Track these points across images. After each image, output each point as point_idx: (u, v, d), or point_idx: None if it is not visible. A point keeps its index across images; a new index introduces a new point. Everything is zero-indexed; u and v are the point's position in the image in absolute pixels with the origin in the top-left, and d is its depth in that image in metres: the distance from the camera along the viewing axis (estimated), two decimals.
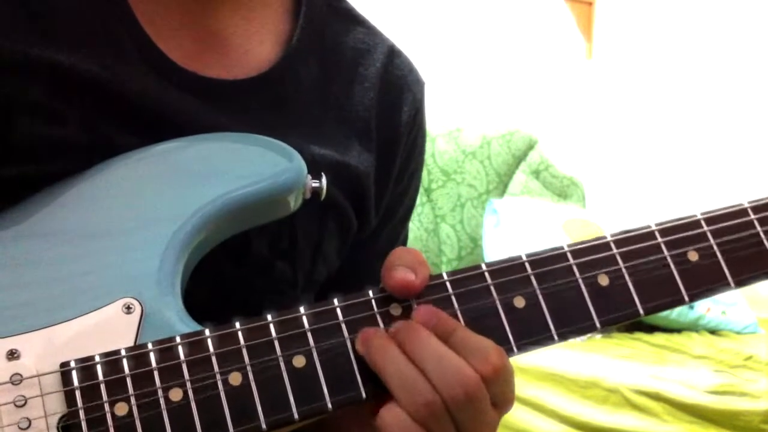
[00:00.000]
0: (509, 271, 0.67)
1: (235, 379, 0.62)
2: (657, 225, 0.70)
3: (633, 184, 3.86)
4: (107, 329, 0.63)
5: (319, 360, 0.63)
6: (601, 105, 3.99)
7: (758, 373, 2.49)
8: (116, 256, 0.66)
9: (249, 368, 0.62)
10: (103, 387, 0.60)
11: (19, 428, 0.60)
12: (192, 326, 0.65)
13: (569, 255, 0.68)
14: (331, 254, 0.83)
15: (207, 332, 0.63)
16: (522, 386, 2.46)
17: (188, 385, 0.61)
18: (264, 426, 0.61)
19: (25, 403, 0.60)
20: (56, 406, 0.60)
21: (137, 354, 0.62)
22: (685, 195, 3.56)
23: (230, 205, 0.69)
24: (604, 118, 3.97)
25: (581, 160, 3.72)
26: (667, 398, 2.40)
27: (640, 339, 2.83)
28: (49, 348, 0.62)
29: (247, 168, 0.70)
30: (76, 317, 0.64)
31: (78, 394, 0.60)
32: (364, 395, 0.63)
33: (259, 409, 0.61)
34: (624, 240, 0.69)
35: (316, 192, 0.73)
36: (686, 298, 0.69)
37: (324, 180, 0.73)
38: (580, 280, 0.68)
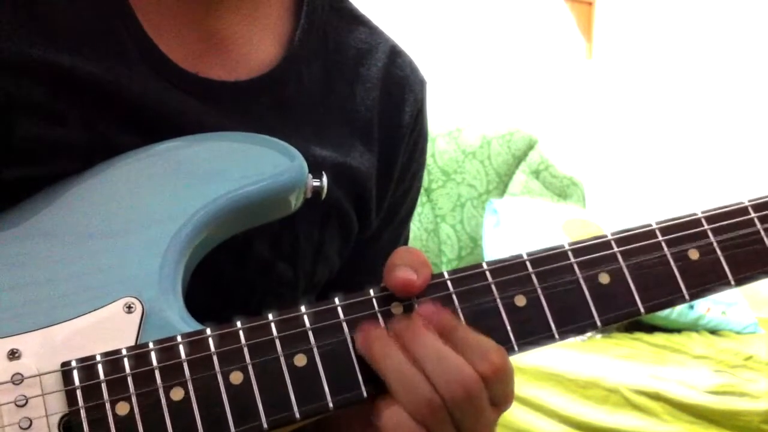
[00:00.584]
0: (510, 270, 0.67)
1: (236, 378, 0.62)
2: (657, 223, 0.70)
3: (633, 184, 3.86)
4: (108, 329, 0.63)
5: (320, 359, 0.63)
6: (601, 105, 3.98)
7: (758, 373, 2.49)
8: (117, 256, 0.66)
9: (250, 367, 0.62)
10: (104, 386, 0.60)
11: (20, 428, 0.60)
12: (193, 326, 0.65)
13: (570, 253, 0.68)
14: (333, 256, 0.83)
15: (208, 331, 0.63)
16: (522, 386, 2.46)
17: (189, 384, 0.61)
18: (265, 425, 0.61)
19: (26, 402, 0.60)
20: (57, 405, 0.60)
21: (138, 353, 0.62)
22: (685, 195, 3.56)
23: (231, 205, 0.69)
24: (604, 118, 3.97)
25: (581, 160, 3.72)
26: (667, 398, 2.40)
27: (640, 339, 2.83)
28: (50, 348, 0.62)
29: (248, 167, 0.70)
30: (77, 317, 0.64)
31: (79, 393, 0.60)
32: (365, 394, 0.63)
33: (261, 408, 0.61)
34: (625, 238, 0.69)
35: (317, 191, 0.73)
36: (687, 297, 0.69)
37: (325, 179, 0.73)
38: (581, 279, 0.68)
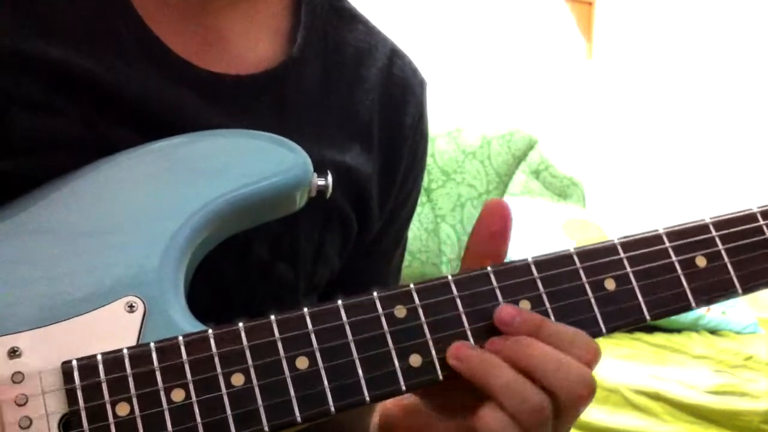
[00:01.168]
0: (514, 274, 0.67)
1: (237, 380, 0.61)
2: (665, 229, 0.69)
3: (633, 184, 3.86)
4: (109, 328, 0.63)
5: (323, 362, 0.63)
6: (601, 105, 3.98)
7: (758, 373, 2.49)
8: (118, 254, 0.66)
9: (252, 369, 0.62)
10: (104, 386, 0.60)
11: (20, 427, 0.59)
12: (195, 325, 0.64)
13: (576, 258, 0.68)
14: (333, 257, 0.83)
15: (210, 332, 0.63)
16: None
17: (190, 385, 0.61)
18: (266, 429, 0.61)
19: (27, 401, 0.60)
20: (57, 405, 0.60)
21: (139, 353, 0.61)
22: (686, 195, 3.56)
23: (234, 204, 0.68)
24: (604, 118, 3.97)
25: (581, 160, 3.72)
26: (667, 398, 2.40)
27: (640, 339, 2.83)
28: (50, 346, 0.61)
29: (252, 165, 0.69)
30: (78, 315, 0.63)
31: (80, 393, 0.60)
32: (368, 399, 0.63)
33: (262, 411, 0.61)
34: (631, 244, 0.69)
35: (321, 191, 0.72)
36: (693, 305, 0.68)
37: (330, 178, 0.72)
38: (587, 285, 0.67)
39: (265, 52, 0.81)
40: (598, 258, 0.68)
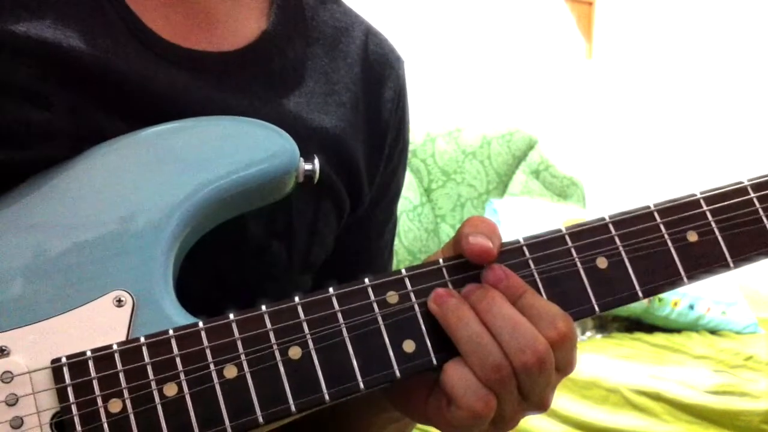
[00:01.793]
0: (507, 257, 0.67)
1: (230, 372, 0.61)
2: (656, 205, 0.69)
3: (633, 184, 3.85)
4: (98, 323, 0.62)
5: (316, 350, 0.62)
6: (601, 105, 3.98)
7: (758, 373, 2.48)
8: (105, 248, 0.65)
9: (244, 361, 0.61)
10: (95, 383, 0.59)
11: (11, 427, 0.59)
12: (185, 318, 0.64)
13: (567, 237, 0.68)
14: (327, 235, 0.83)
15: (200, 324, 0.62)
16: None
17: (183, 379, 0.60)
18: (261, 419, 0.60)
19: (17, 401, 0.59)
20: (48, 403, 0.59)
21: (129, 349, 0.60)
22: (685, 193, 3.55)
23: (221, 193, 0.67)
24: (604, 118, 3.96)
25: (581, 160, 3.72)
26: (667, 398, 2.40)
27: (640, 339, 2.83)
28: (39, 344, 0.61)
29: (238, 153, 0.69)
30: (66, 312, 0.62)
31: (70, 391, 0.59)
32: (362, 386, 0.62)
33: (256, 402, 0.60)
34: (622, 221, 0.68)
35: (308, 176, 0.72)
36: (685, 279, 0.68)
37: (317, 163, 0.72)
38: (579, 263, 0.67)
39: (251, 30, 0.81)
40: (589, 237, 0.68)
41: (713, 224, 0.69)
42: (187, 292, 0.67)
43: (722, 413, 2.35)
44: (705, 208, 0.69)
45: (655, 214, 0.69)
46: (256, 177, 0.68)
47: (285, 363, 0.62)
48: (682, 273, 0.68)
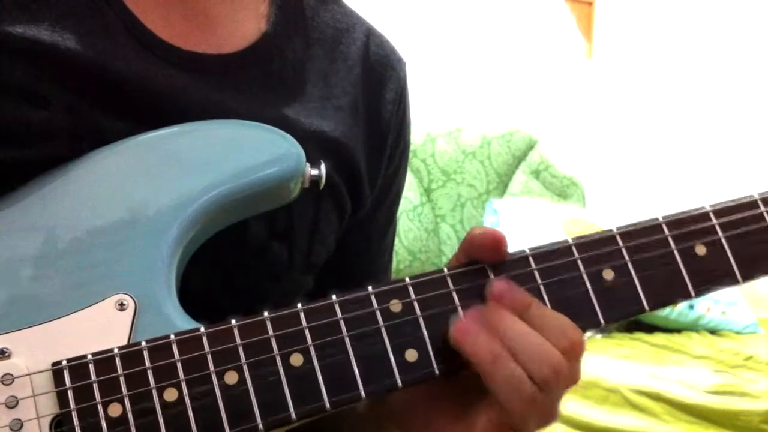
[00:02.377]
0: (512, 266, 0.66)
1: (231, 378, 0.60)
2: (664, 218, 0.68)
3: (633, 184, 3.85)
4: (100, 327, 0.62)
5: (317, 358, 0.62)
6: (601, 105, 3.98)
7: (758, 373, 2.48)
8: (108, 252, 0.65)
9: (245, 367, 0.61)
10: (96, 387, 0.59)
11: (11, 430, 0.58)
12: (188, 322, 0.63)
13: (574, 249, 0.67)
14: (329, 235, 0.83)
15: (202, 329, 0.62)
16: None
17: (183, 384, 0.60)
18: (261, 427, 0.60)
19: (17, 403, 0.59)
20: (48, 406, 0.59)
21: (130, 353, 0.60)
22: (686, 194, 3.55)
23: (226, 198, 0.67)
24: (604, 118, 3.96)
25: (581, 160, 3.72)
26: (667, 398, 2.40)
27: (640, 339, 2.83)
28: (40, 347, 0.60)
29: (243, 158, 0.68)
30: (67, 314, 0.62)
31: (70, 394, 0.59)
32: (363, 395, 0.62)
33: (256, 409, 0.60)
34: (630, 233, 0.68)
35: (314, 181, 0.71)
36: (693, 294, 0.67)
37: (323, 168, 0.72)
38: (585, 275, 0.66)
39: (250, 32, 0.81)
40: (596, 248, 0.67)
41: (722, 238, 0.68)
42: (188, 292, 0.67)
43: (722, 413, 2.35)
44: (714, 221, 0.69)
45: (664, 227, 0.68)
46: (261, 182, 0.68)
47: (286, 370, 0.61)
48: (690, 287, 0.67)
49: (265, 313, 0.63)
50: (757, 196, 0.70)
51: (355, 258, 0.89)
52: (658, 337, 2.86)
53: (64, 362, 0.60)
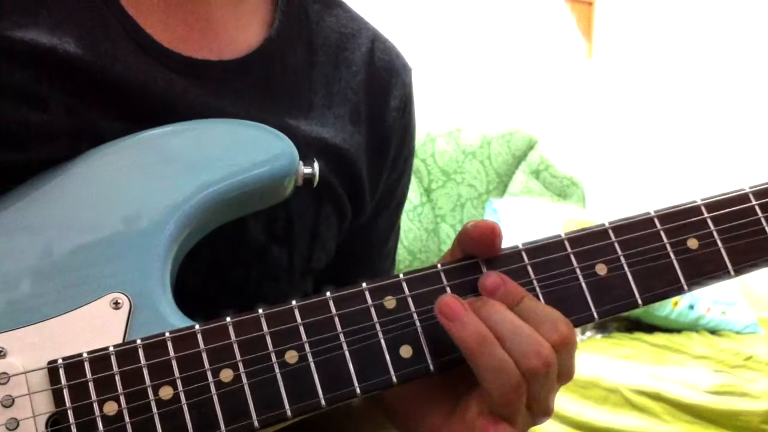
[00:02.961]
0: (506, 262, 0.66)
1: (226, 375, 0.61)
2: (656, 212, 0.69)
3: (633, 184, 3.85)
4: (95, 326, 0.62)
5: (312, 355, 0.62)
6: (601, 105, 3.98)
7: (758, 373, 2.48)
8: (102, 250, 0.65)
9: (240, 364, 0.61)
10: (91, 385, 0.59)
11: (7, 429, 0.58)
12: (183, 320, 0.64)
13: (567, 244, 0.67)
14: (329, 240, 0.83)
15: (197, 327, 0.62)
16: None
17: (179, 382, 0.60)
18: (256, 424, 0.60)
19: (13, 402, 0.59)
20: (44, 405, 0.59)
21: (126, 351, 0.60)
22: (686, 194, 3.55)
23: (220, 196, 0.67)
24: (604, 118, 3.96)
25: (581, 160, 3.72)
26: (667, 398, 2.39)
27: (640, 339, 2.83)
28: (36, 345, 0.61)
29: (237, 156, 0.68)
30: (63, 313, 0.62)
31: (66, 393, 0.59)
32: (358, 391, 0.62)
33: (251, 406, 0.60)
34: (622, 227, 0.68)
35: (308, 179, 0.71)
36: (685, 287, 0.67)
37: (317, 166, 0.72)
38: (578, 270, 0.66)
39: (252, 37, 0.81)
40: (589, 243, 0.67)
41: (714, 232, 0.68)
42: (186, 292, 0.67)
43: (722, 413, 2.34)
44: (706, 215, 0.69)
45: (656, 221, 0.68)
46: (255, 180, 0.68)
47: (281, 367, 0.61)
48: (683, 281, 0.67)
49: (260, 310, 0.63)
50: (748, 190, 0.70)
51: (356, 263, 0.89)
52: (658, 337, 2.86)
53: (60, 360, 0.60)
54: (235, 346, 0.61)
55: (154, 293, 0.64)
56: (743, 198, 0.70)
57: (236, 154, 0.69)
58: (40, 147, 0.68)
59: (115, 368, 0.60)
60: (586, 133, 3.92)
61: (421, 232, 2.99)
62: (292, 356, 0.62)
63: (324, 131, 0.80)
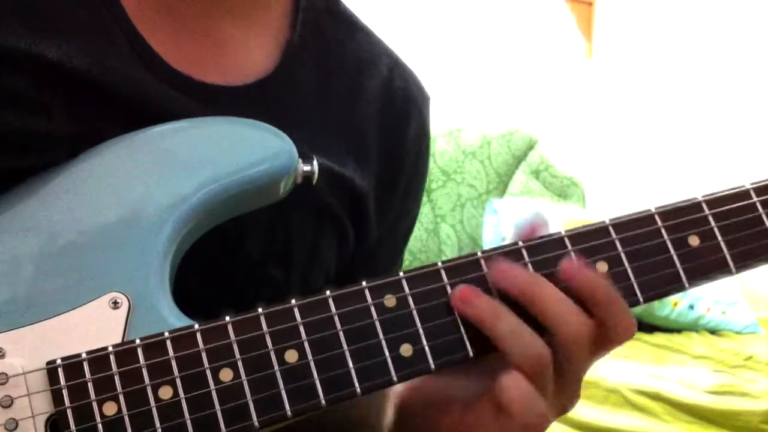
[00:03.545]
0: (507, 258, 0.65)
1: (225, 375, 0.60)
2: (657, 209, 0.68)
3: (633, 184, 3.85)
4: (94, 325, 0.61)
5: (312, 354, 0.61)
6: (601, 105, 3.98)
7: (758, 373, 2.48)
8: (101, 250, 0.64)
9: (240, 364, 0.60)
10: (90, 386, 0.59)
11: (6, 429, 0.58)
12: (182, 320, 0.63)
13: (567, 241, 0.66)
14: (329, 261, 0.81)
15: (196, 326, 0.61)
16: None
17: (178, 382, 0.60)
18: (256, 424, 0.60)
19: (12, 403, 0.59)
20: (43, 405, 0.59)
21: (125, 351, 0.60)
22: (686, 194, 3.55)
23: (218, 194, 0.67)
24: (604, 118, 3.97)
25: (581, 160, 3.72)
26: (667, 398, 2.40)
27: (640, 339, 2.83)
28: (35, 346, 0.60)
29: (235, 155, 0.68)
30: (61, 313, 0.62)
31: (65, 393, 0.59)
32: (359, 391, 0.62)
33: (251, 406, 0.60)
34: (622, 225, 0.67)
35: (307, 177, 0.71)
36: (686, 285, 0.67)
37: (315, 164, 0.71)
38: None
39: (264, 61, 0.79)
40: (589, 240, 0.66)
41: (715, 228, 0.68)
42: (185, 299, 0.66)
43: (722, 413, 2.34)
44: (707, 212, 0.68)
45: (656, 218, 0.68)
46: (254, 178, 0.68)
47: (281, 367, 0.61)
48: (684, 278, 0.67)
49: (259, 309, 0.62)
50: (749, 186, 0.70)
51: None
52: (658, 337, 2.86)
53: (59, 361, 0.60)
54: (235, 346, 0.61)
55: (153, 292, 0.64)
56: (744, 194, 0.69)
57: (235, 152, 0.68)
58: (44, 154, 0.67)
59: (114, 368, 0.59)
60: (586, 133, 3.92)
61: (421, 232, 2.99)
62: (292, 355, 0.61)
63: (331, 160, 0.78)
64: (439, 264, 0.65)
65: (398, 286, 0.64)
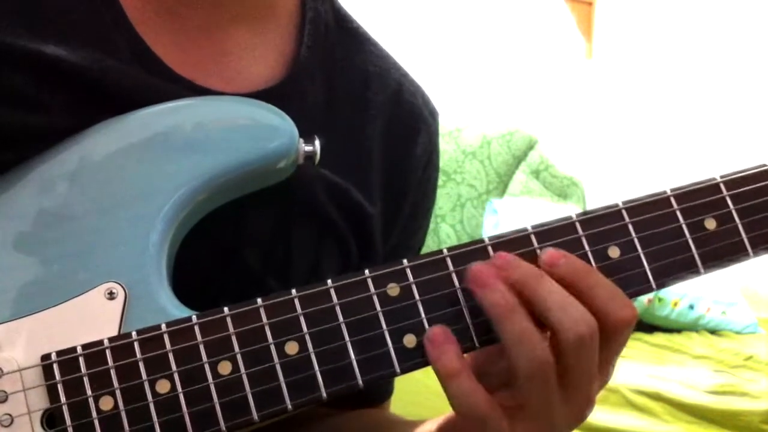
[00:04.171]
0: (512, 245, 0.64)
1: (224, 368, 0.59)
2: (672, 190, 0.65)
3: (633, 184, 3.85)
4: (90, 317, 0.60)
5: (313, 346, 0.60)
6: (601, 105, 3.98)
7: (758, 373, 2.48)
8: (96, 238, 0.63)
9: (239, 357, 0.59)
10: (86, 380, 0.58)
11: (1, 425, 0.57)
12: (181, 309, 0.62)
13: (578, 226, 0.64)
14: (330, 276, 0.80)
15: (194, 319, 0.60)
16: None
17: (176, 376, 0.58)
18: (256, 418, 0.59)
19: (7, 398, 0.58)
20: (39, 401, 0.58)
21: (121, 345, 0.59)
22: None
23: (217, 179, 0.65)
24: (604, 118, 3.96)
25: (581, 160, 3.71)
26: (667, 398, 2.39)
27: (640, 339, 2.83)
28: (29, 339, 0.59)
29: (234, 136, 0.66)
30: (56, 305, 0.61)
31: (60, 388, 0.58)
32: (360, 383, 0.60)
33: (251, 400, 0.59)
34: (636, 208, 0.65)
35: (309, 157, 0.69)
36: (702, 270, 0.64)
37: (317, 143, 0.69)
38: (590, 253, 0.64)
39: (268, 71, 0.77)
40: (601, 225, 0.64)
41: (733, 211, 0.65)
42: (180, 300, 0.65)
43: (722, 413, 2.34)
44: (725, 193, 0.66)
45: (672, 200, 0.65)
46: (254, 159, 0.66)
47: (281, 359, 0.60)
48: (699, 264, 0.64)
49: (259, 300, 0.61)
50: None
51: None
52: (658, 337, 2.86)
53: (54, 355, 0.59)
54: (234, 338, 0.60)
55: (150, 282, 0.62)
56: (764, 174, 0.67)
57: (233, 133, 0.66)
58: (38, 148, 0.66)
59: (111, 362, 0.58)
60: (586, 133, 3.92)
61: None
62: (292, 348, 0.60)
63: (335, 173, 0.77)
64: (445, 251, 0.63)
65: (402, 274, 0.62)
